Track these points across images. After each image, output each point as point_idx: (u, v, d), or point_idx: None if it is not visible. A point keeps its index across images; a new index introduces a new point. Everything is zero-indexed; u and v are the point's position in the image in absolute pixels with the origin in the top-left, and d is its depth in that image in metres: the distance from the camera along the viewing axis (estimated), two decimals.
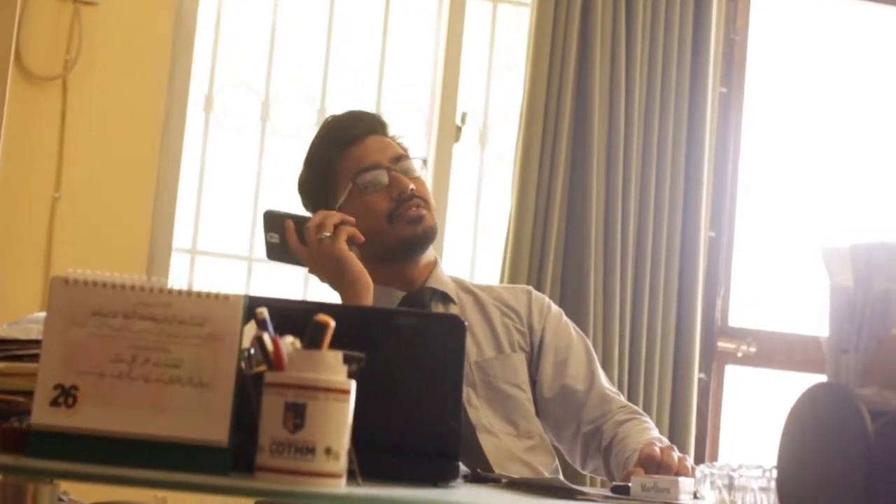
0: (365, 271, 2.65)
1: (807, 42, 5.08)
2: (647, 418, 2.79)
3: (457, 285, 2.89)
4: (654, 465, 2.38)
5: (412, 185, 2.77)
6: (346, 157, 2.80)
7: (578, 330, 2.92)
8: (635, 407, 2.84)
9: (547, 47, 4.39)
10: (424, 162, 2.87)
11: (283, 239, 2.70)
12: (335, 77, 4.59)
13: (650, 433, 2.70)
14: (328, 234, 2.64)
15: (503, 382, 2.77)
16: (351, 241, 2.66)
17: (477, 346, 2.79)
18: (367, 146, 2.81)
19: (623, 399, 2.84)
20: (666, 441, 2.65)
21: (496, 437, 2.71)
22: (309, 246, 2.66)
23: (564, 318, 2.92)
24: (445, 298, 2.83)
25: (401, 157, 2.82)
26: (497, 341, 2.81)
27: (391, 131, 2.89)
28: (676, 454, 2.41)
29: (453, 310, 2.81)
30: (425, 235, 2.78)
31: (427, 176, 4.45)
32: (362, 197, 2.76)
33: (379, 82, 4.61)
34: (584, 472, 2.92)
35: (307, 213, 2.78)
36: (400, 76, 4.66)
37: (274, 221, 2.71)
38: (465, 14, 4.63)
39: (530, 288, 2.97)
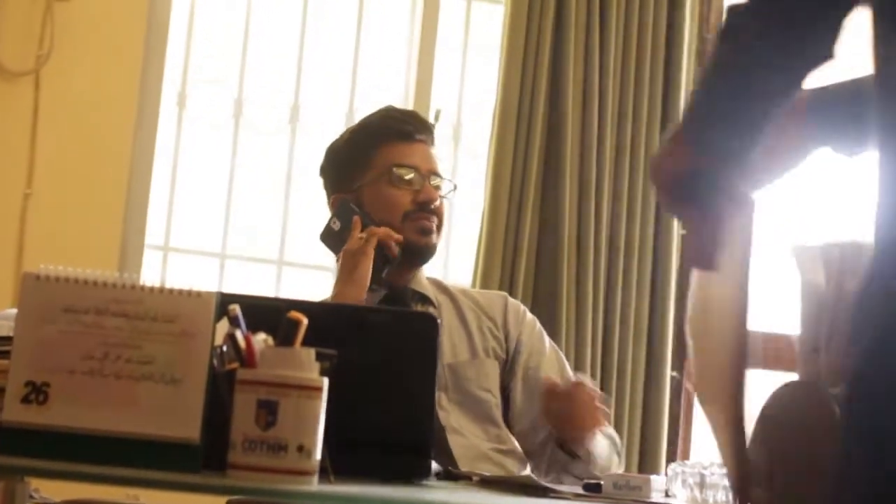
0: (367, 286, 2.71)
1: None
2: (610, 431, 2.79)
3: (434, 287, 2.92)
4: (555, 397, 2.50)
5: (438, 202, 2.85)
6: (390, 147, 2.86)
7: (551, 340, 2.95)
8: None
9: (521, 45, 4.39)
10: (455, 188, 2.97)
11: (343, 229, 2.78)
12: (309, 74, 4.58)
13: (602, 441, 2.72)
14: (363, 236, 2.73)
15: (475, 387, 2.79)
16: (382, 252, 2.73)
17: (452, 347, 2.80)
18: (414, 148, 2.88)
19: None
20: (617, 442, 2.74)
21: (465, 438, 2.72)
22: (350, 238, 2.75)
23: (539, 326, 2.95)
24: (425, 300, 2.86)
25: (437, 175, 2.88)
26: (472, 345, 2.83)
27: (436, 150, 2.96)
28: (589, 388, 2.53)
29: (432, 312, 2.82)
30: (426, 250, 2.85)
31: None
32: (388, 187, 2.83)
33: (353, 79, 4.60)
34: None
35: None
36: (374, 73, 4.65)
37: (345, 211, 2.81)
38: (438, 11, 4.62)
39: (505, 294, 3.03)
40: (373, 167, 2.85)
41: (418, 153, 2.87)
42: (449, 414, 2.72)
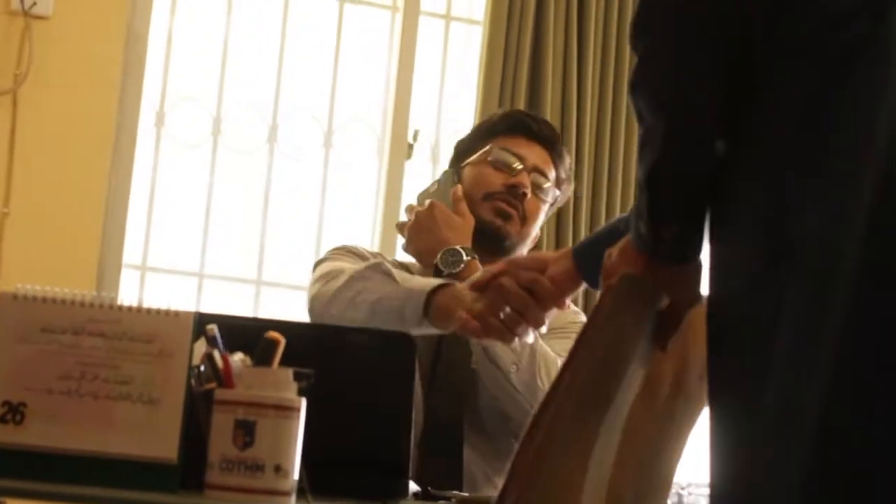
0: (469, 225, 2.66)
1: None
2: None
3: None
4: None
5: (527, 191, 2.73)
6: (507, 138, 2.79)
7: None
8: None
9: (499, 65, 4.41)
10: (557, 198, 2.86)
11: (437, 191, 2.76)
12: (287, 93, 4.58)
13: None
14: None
15: (490, 397, 2.68)
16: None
17: (481, 350, 2.65)
18: (530, 144, 2.79)
19: None
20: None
21: (472, 458, 2.67)
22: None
23: (571, 319, 2.79)
24: None
25: (542, 174, 2.78)
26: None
27: (553, 173, 2.83)
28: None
29: None
30: (498, 234, 2.71)
31: (379, 193, 4.47)
32: (486, 167, 2.76)
33: (331, 99, 4.61)
34: None
35: None
36: (352, 93, 4.66)
37: (446, 178, 2.80)
38: (417, 31, 4.63)
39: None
40: (483, 149, 2.79)
41: (532, 149, 2.78)
42: (469, 429, 2.66)
